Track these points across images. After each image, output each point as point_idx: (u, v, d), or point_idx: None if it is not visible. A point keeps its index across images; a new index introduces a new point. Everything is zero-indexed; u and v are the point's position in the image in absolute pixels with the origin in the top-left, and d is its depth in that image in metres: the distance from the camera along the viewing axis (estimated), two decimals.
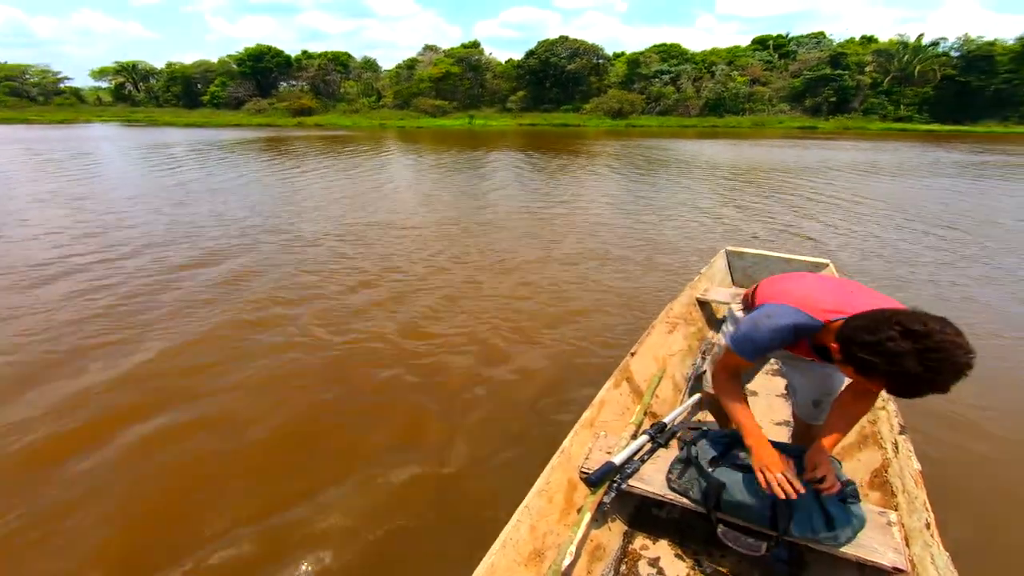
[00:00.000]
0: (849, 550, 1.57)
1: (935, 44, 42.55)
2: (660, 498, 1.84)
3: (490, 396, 3.27)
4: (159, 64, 59.80)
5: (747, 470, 1.69)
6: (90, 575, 2.05)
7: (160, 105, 55.62)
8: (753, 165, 16.38)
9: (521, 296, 5.02)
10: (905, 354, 1.20)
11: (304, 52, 56.27)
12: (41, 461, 2.65)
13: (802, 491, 1.53)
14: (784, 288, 1.66)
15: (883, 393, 2.15)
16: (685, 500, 1.80)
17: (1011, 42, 39.25)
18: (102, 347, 3.82)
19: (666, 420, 2.15)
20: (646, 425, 2.26)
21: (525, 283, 5.40)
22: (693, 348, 3.26)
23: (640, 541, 1.93)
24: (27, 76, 55.42)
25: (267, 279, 5.36)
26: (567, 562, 1.62)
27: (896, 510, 1.76)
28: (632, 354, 2.68)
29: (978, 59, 39.50)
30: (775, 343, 1.55)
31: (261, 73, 53.70)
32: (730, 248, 4.44)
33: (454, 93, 49.98)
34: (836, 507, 1.59)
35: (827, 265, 3.95)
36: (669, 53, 49.95)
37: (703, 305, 3.68)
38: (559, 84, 49.41)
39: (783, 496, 1.53)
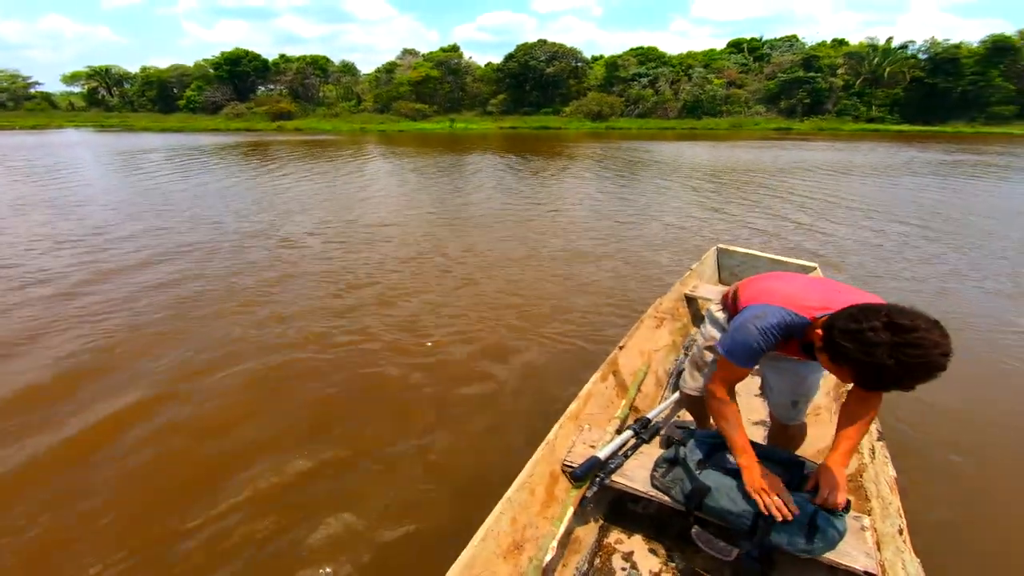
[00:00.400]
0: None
1: (904, 47, 43.69)
2: (642, 495, 1.86)
3: (477, 391, 3.32)
4: (133, 68, 58.60)
5: (733, 475, 1.70)
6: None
7: (135, 110, 54.45)
8: (733, 166, 16.64)
9: (508, 293, 5.09)
10: (880, 344, 1.20)
11: (281, 56, 55.53)
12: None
13: (796, 512, 1.53)
14: (767, 287, 1.66)
15: None
16: (667, 498, 1.81)
17: (975, 44, 40.49)
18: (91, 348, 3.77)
19: (650, 416, 2.19)
20: (630, 420, 2.30)
21: (512, 281, 5.47)
22: (678, 344, 3.32)
23: (615, 535, 1.95)
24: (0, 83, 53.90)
25: (252, 282, 5.32)
26: (548, 557, 1.64)
27: (869, 515, 1.79)
28: (619, 348, 2.72)
29: (945, 61, 40.61)
30: (768, 344, 1.53)
31: (238, 77, 52.88)
32: (721, 246, 4.48)
33: (434, 97, 49.86)
34: (822, 520, 1.58)
35: (815, 268, 4.00)
36: (646, 56, 50.50)
37: (691, 302, 3.74)
38: (538, 87, 49.61)
39: (780, 519, 1.52)
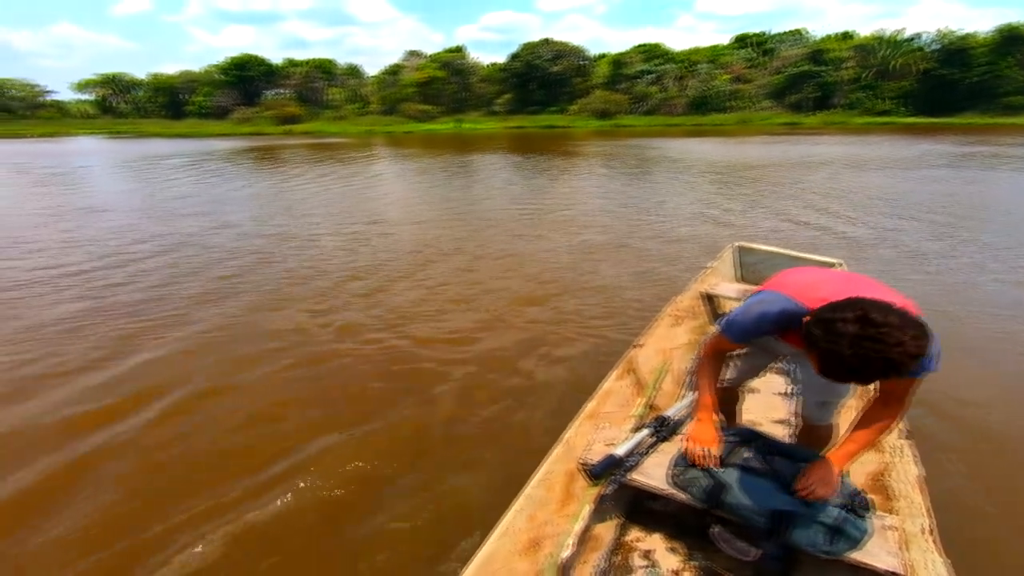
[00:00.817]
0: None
1: (912, 39, 43.24)
2: (661, 492, 1.84)
3: (496, 385, 3.31)
4: (141, 75, 59.32)
5: (752, 472, 1.70)
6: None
7: (145, 116, 55.15)
8: (743, 161, 16.53)
9: (523, 291, 5.09)
10: (844, 336, 1.21)
11: (288, 60, 56.17)
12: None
13: (714, 465, 1.72)
14: (786, 280, 1.66)
15: None
16: (685, 496, 1.79)
17: (986, 33, 40.01)
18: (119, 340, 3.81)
19: (668, 414, 2.17)
20: (648, 418, 2.28)
21: (527, 278, 5.46)
22: (695, 342, 3.28)
23: (634, 533, 1.94)
24: (9, 91, 54.70)
25: (283, 282, 5.36)
26: (566, 554, 1.63)
27: (895, 514, 1.75)
28: (637, 346, 2.69)
29: (955, 52, 40.19)
30: (761, 328, 1.60)
31: (246, 82, 53.44)
32: (740, 244, 4.39)
33: (440, 98, 50.07)
34: (845, 521, 1.56)
35: (839, 264, 3.91)
36: (652, 53, 50.38)
37: (709, 299, 3.69)
38: (544, 86, 49.64)
39: (701, 464, 1.72)
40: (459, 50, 54.32)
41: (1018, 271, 5.54)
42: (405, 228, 8.08)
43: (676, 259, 6.12)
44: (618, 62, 49.68)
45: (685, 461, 1.86)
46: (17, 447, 2.84)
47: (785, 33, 50.19)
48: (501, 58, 54.03)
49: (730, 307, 3.55)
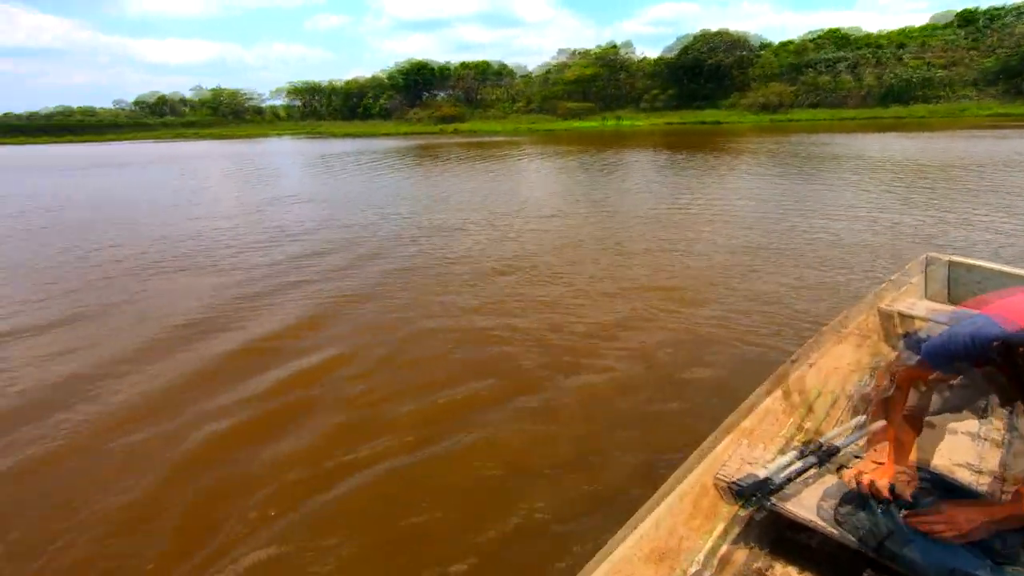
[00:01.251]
0: None
1: None
2: (809, 524, 1.67)
3: (635, 383, 3.32)
4: (326, 82, 67.70)
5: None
6: None
7: (332, 119, 62.81)
8: (947, 160, 14.08)
9: (670, 292, 4.96)
10: None
11: (453, 63, 60.56)
12: None
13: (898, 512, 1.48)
14: (1002, 302, 1.42)
15: None
16: (837, 533, 1.60)
17: None
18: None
19: (827, 439, 1.95)
20: (799, 440, 2.08)
21: (674, 279, 5.32)
22: (864, 363, 2.90)
23: (771, 562, 1.78)
24: (226, 99, 66.40)
25: (443, 268, 5.92)
26: (694, 570, 1.57)
27: None
28: (792, 361, 2.47)
29: None
30: (972, 357, 1.35)
31: (415, 85, 58.68)
32: (934, 255, 3.76)
33: (594, 94, 50.12)
34: None
35: None
36: (831, 39, 45.18)
37: (889, 317, 3.25)
38: (706, 79, 46.98)
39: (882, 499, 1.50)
40: (615, 46, 53.86)
41: None
42: (555, 222, 8.26)
43: (849, 268, 5.45)
44: (791, 50, 45.36)
45: (852, 496, 1.67)
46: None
47: (1008, 7, 41.53)
48: (660, 53, 52.51)
49: (917, 328, 3.06)
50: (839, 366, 2.73)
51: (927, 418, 2.00)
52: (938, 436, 2.38)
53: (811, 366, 2.56)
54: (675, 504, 1.72)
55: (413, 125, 51.00)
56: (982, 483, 1.90)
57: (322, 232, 8.04)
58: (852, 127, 29.51)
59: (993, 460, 2.07)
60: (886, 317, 3.22)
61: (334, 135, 46.53)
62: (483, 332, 4.18)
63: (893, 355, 3.08)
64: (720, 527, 1.71)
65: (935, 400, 1.82)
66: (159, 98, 71.87)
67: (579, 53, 55.14)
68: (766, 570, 1.75)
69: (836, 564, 1.74)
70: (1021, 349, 1.17)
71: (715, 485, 1.84)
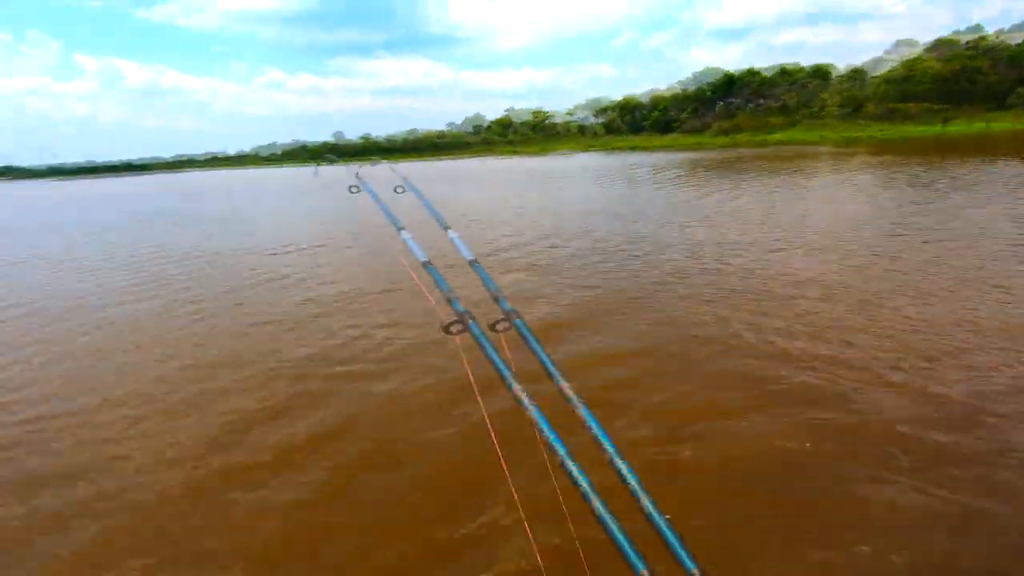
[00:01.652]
0: None
1: None
2: None
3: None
4: (624, 97, 69.62)
5: None
6: None
7: (634, 133, 64.75)
8: None
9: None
10: None
11: (780, 70, 55.63)
12: None
13: None
14: None
15: None
16: None
17: None
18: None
19: None
20: None
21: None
22: None
23: None
24: (553, 119, 73.88)
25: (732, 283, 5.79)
26: None
27: None
28: None
29: None
30: None
31: (730, 96, 55.99)
32: None
33: (960, 93, 39.74)
34: None
35: None
36: None
37: None
38: None
39: None
40: (984, 35, 41.85)
41: None
42: (862, 257, 6.81)
43: None
44: None
45: None
46: None
47: None
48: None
49: None
50: None
51: None
52: None
53: None
54: None
55: (728, 136, 48.53)
56: None
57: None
58: None
59: None
60: None
61: (645, 149, 47.41)
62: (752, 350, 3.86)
63: None
64: None
65: None
66: (502, 118, 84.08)
67: (932, 44, 44.31)
68: None
69: None
70: None
71: None
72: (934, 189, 12.17)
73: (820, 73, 52.10)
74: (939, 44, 46.05)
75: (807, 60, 54.59)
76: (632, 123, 65.45)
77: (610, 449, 0.77)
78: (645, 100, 65.60)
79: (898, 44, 48.76)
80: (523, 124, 74.92)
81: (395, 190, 1.99)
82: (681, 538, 0.66)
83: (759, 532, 2.31)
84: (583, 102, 74.16)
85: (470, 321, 1.06)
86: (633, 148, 48.66)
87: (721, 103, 57.16)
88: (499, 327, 1.08)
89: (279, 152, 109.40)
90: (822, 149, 31.28)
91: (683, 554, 0.65)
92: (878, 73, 49.16)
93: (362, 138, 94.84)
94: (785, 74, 52.90)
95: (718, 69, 57.99)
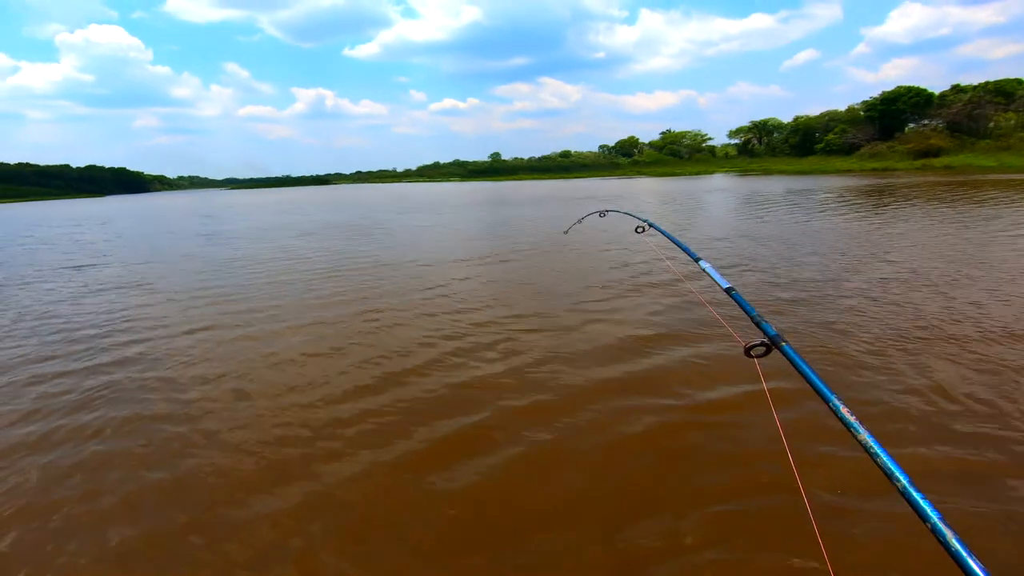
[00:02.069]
0: None
1: None
2: None
3: None
4: (787, 119, 64.92)
5: None
6: None
7: (776, 155, 60.30)
8: None
9: None
10: None
11: (953, 87, 48.22)
12: None
13: None
14: None
15: None
16: None
17: None
18: None
19: None
20: None
21: None
22: None
23: None
24: (683, 140, 72.85)
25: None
26: None
27: None
28: None
29: None
30: None
31: (889, 116, 49.69)
32: None
33: None
34: None
35: None
36: None
37: None
38: None
39: None
40: None
41: None
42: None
43: None
44: None
45: None
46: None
47: None
48: None
49: None
50: None
51: None
52: None
53: None
54: None
55: (882, 160, 42.91)
56: None
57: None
58: None
59: None
60: None
61: (784, 172, 43.79)
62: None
63: None
64: None
65: None
66: (628, 139, 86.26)
67: None
68: None
69: None
70: None
71: None
72: None
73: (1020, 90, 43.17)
74: None
75: (1009, 76, 45.72)
76: (791, 144, 60.39)
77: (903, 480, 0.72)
78: (807, 122, 60.05)
79: None
80: (679, 146, 73.57)
81: (636, 230, 2.49)
82: None
83: None
84: (745, 124, 70.27)
85: (783, 344, 1.04)
86: (793, 171, 45.00)
87: (913, 125, 50.13)
88: (753, 352, 1.08)
89: (441, 167, 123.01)
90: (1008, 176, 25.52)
91: None
92: None
93: (514, 159, 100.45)
94: (973, 91, 44.73)
95: (904, 89, 50.86)
